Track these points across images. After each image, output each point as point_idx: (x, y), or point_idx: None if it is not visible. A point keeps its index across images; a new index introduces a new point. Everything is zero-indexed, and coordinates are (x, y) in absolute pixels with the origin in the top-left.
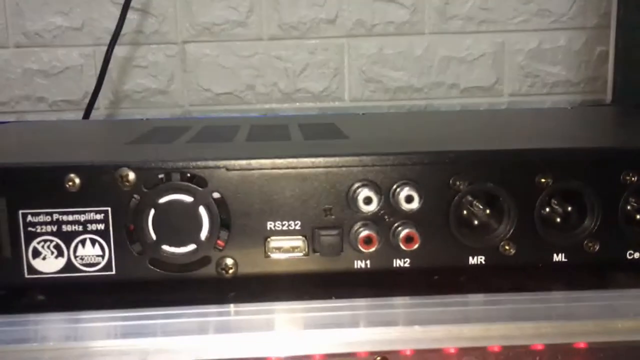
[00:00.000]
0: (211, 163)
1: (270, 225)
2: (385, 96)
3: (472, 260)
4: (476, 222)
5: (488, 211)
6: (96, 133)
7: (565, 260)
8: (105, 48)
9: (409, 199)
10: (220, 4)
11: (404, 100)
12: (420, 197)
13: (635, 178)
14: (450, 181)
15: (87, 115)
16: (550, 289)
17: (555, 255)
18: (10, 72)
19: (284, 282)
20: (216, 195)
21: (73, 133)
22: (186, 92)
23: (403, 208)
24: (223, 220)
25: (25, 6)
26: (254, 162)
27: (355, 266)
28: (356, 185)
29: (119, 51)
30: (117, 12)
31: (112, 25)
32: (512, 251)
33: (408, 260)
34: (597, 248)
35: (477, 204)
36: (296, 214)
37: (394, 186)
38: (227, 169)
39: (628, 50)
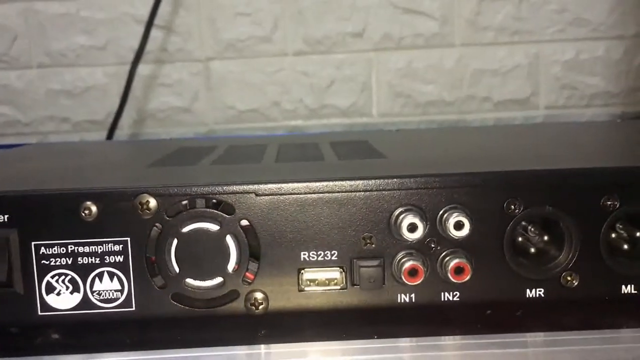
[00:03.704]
0: (239, 188)
1: (304, 255)
2: (415, 111)
3: (530, 294)
4: (532, 250)
5: (546, 238)
6: (117, 155)
7: (636, 292)
8: (129, 67)
9: (459, 226)
10: (245, 20)
11: (435, 115)
12: (471, 223)
13: None
14: (505, 205)
15: (110, 135)
16: (620, 325)
17: (623, 286)
18: (34, 92)
19: (319, 318)
20: (244, 222)
21: (92, 156)
22: (211, 110)
23: (452, 235)
24: (252, 251)
25: (49, 26)
26: (286, 186)
27: (399, 300)
28: (399, 210)
29: (142, 70)
30: (141, 31)
31: (136, 44)
32: (575, 282)
33: (458, 293)
34: None
35: (532, 229)
36: (332, 243)
37: (442, 211)
38: (257, 194)
39: None
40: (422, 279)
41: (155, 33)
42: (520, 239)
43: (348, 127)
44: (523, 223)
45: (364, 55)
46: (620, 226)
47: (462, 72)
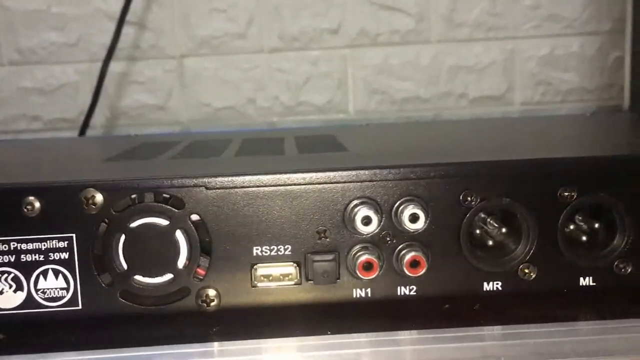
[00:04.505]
0: (188, 181)
1: (256, 250)
2: (391, 107)
3: (487, 287)
4: (491, 243)
5: (504, 230)
6: (77, 150)
7: (594, 284)
8: (101, 64)
9: (414, 218)
10: (219, 16)
11: (412, 112)
12: (427, 215)
13: None
14: (461, 197)
15: (82, 133)
16: (577, 318)
17: (582, 278)
18: (5, 90)
19: (273, 314)
20: (195, 217)
21: (51, 151)
22: (185, 107)
23: (407, 228)
24: (203, 246)
25: (19, 22)
26: (237, 180)
27: (354, 295)
28: (354, 203)
29: (115, 67)
30: (113, 27)
31: (109, 40)
32: (533, 275)
33: (414, 287)
34: (630, 269)
35: (491, 222)
36: (286, 238)
37: (397, 204)
38: (207, 188)
39: None
40: (377, 273)
41: (127, 29)
42: (478, 231)
43: (324, 124)
44: (482, 215)
45: (340, 51)
46: (580, 217)
47: (438, 68)
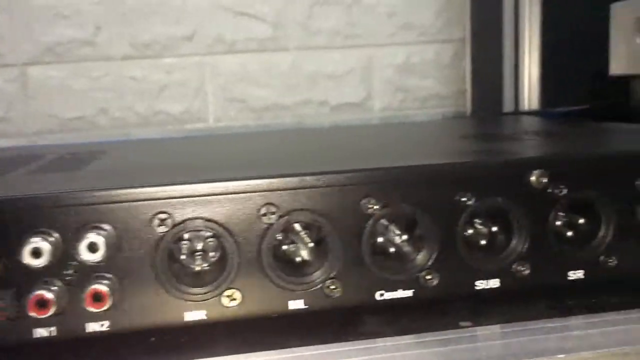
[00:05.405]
0: None
1: None
2: (251, 115)
3: (189, 317)
4: (197, 269)
5: (215, 255)
6: None
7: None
8: None
9: (93, 247)
10: (64, 22)
11: (272, 119)
12: (110, 244)
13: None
14: (151, 222)
15: None
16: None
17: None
18: None
19: None
20: None
21: None
22: (30, 118)
23: (86, 259)
24: None
25: None
26: None
27: (35, 336)
28: (28, 233)
29: None
30: None
31: None
32: (237, 300)
33: (107, 322)
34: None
35: (203, 245)
36: None
37: (75, 232)
38: None
39: (482, 62)
40: (55, 310)
41: None
42: (183, 257)
43: (185, 134)
44: (185, 238)
45: (196, 59)
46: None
47: (296, 75)
